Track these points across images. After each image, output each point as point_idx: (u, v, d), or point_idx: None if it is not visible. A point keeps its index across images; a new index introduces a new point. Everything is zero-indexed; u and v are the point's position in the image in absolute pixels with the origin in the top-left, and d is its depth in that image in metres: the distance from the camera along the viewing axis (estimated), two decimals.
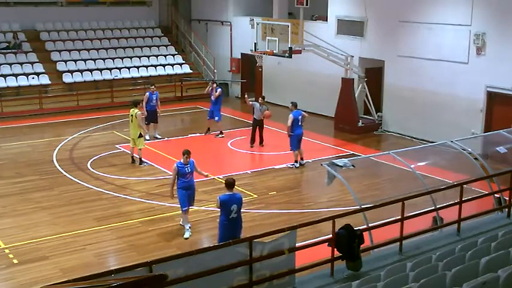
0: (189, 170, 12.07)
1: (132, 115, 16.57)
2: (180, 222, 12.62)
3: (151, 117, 19.14)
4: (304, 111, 17.23)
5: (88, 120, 22.45)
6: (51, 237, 12.09)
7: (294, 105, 16.84)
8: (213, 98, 19.89)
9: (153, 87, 19.66)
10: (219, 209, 10.60)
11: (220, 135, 20.01)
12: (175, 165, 12.10)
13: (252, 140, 18.68)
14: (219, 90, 19.83)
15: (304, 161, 16.91)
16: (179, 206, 12.32)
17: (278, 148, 18.63)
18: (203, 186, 14.55)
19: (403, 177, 13.79)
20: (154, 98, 19.28)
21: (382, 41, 21.04)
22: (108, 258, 11.53)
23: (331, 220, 8.76)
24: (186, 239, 12.08)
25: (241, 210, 10.63)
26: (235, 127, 21.74)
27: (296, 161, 16.77)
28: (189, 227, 12.32)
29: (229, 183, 10.53)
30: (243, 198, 14.05)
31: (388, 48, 20.76)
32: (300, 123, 16.64)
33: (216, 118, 19.85)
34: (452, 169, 14.44)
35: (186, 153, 12.04)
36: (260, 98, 18.60)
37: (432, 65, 19.31)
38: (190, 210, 12.44)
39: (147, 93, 19.45)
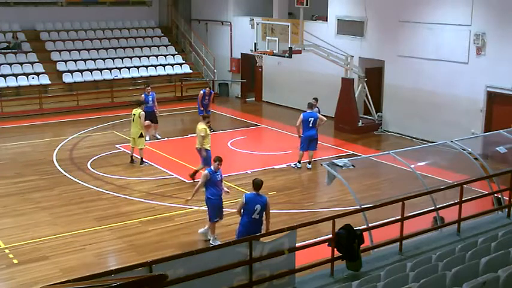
0: (220, 177, 11.54)
1: (134, 114, 16.60)
2: (201, 231, 11.97)
3: (150, 118, 19.10)
4: (323, 115, 16.90)
5: (88, 120, 22.44)
6: (51, 237, 12.09)
7: (309, 105, 16.69)
8: (206, 101, 20.28)
9: (148, 88, 19.65)
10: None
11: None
12: (206, 171, 11.51)
13: None
14: (213, 93, 21.19)
15: (311, 165, 16.55)
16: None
17: (278, 148, 18.63)
18: None
19: (403, 177, 13.79)
20: (150, 98, 19.23)
21: (382, 41, 21.04)
22: (108, 258, 11.53)
23: (331, 220, 8.75)
24: None
25: None
26: (235, 127, 21.74)
27: (299, 161, 16.72)
28: (215, 238, 11.64)
29: (257, 184, 10.27)
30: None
31: (388, 48, 20.76)
32: (310, 125, 16.41)
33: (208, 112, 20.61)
34: (452, 169, 14.45)
35: (218, 160, 11.44)
36: (313, 100, 17.61)
37: (432, 65, 19.29)
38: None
39: (143, 95, 19.48)
